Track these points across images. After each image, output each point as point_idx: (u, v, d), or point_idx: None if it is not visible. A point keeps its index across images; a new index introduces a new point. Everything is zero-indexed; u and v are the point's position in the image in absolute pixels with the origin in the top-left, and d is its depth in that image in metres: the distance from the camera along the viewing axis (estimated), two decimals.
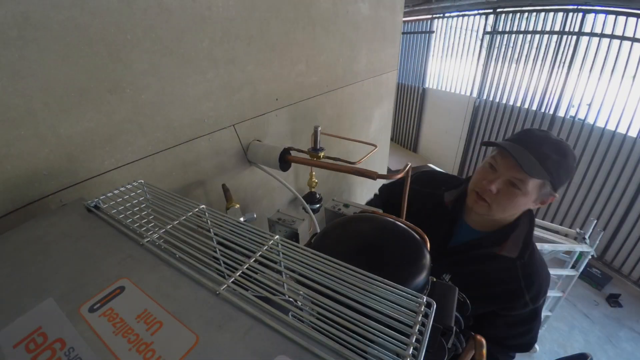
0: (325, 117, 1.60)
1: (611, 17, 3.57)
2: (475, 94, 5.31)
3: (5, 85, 0.58)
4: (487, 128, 5.22)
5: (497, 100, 4.96)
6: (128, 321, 0.36)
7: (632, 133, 3.54)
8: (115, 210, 0.55)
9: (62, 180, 0.70)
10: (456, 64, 5.61)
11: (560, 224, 3.98)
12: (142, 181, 0.63)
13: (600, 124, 3.83)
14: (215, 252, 0.47)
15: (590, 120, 3.93)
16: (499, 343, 0.90)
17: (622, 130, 3.63)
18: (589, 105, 3.91)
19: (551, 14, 4.10)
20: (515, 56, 4.61)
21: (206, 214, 0.55)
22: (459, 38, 5.43)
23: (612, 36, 3.58)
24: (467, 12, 5.14)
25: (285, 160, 1.11)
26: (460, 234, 0.95)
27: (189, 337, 0.34)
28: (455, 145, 5.89)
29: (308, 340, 0.33)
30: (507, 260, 0.86)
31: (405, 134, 7.05)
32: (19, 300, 0.39)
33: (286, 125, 1.35)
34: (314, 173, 1.45)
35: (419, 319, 0.35)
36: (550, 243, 2.55)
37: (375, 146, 1.31)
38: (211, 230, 0.51)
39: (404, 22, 6.09)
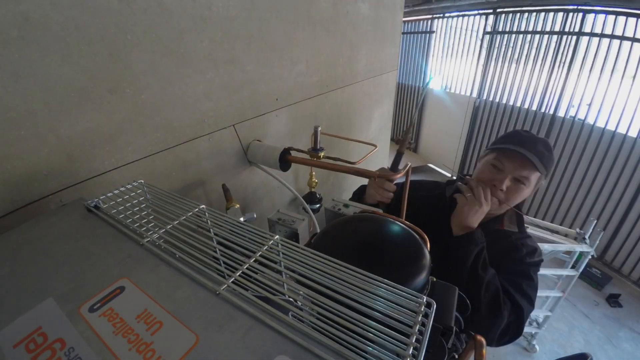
0: (325, 117, 1.60)
1: (611, 17, 3.57)
2: (475, 94, 5.31)
3: (5, 85, 0.58)
4: (487, 128, 5.21)
5: (497, 100, 4.96)
6: (128, 321, 0.36)
7: (632, 133, 3.54)
8: (115, 210, 0.55)
9: (62, 180, 0.70)
10: (456, 64, 5.61)
11: (560, 224, 3.97)
12: (142, 181, 0.63)
13: (600, 124, 3.82)
14: (215, 252, 0.47)
15: (590, 120, 3.93)
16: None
17: (622, 130, 3.63)
18: (589, 105, 3.91)
19: (551, 14, 4.10)
20: (515, 56, 4.60)
21: (206, 214, 0.55)
22: (459, 38, 5.43)
23: (612, 36, 3.57)
24: (467, 12, 5.14)
25: (285, 160, 1.11)
26: None
27: (189, 337, 0.34)
28: (455, 145, 5.89)
29: (308, 340, 0.33)
30: (510, 234, 0.96)
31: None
32: (19, 300, 0.39)
33: (286, 125, 1.35)
34: (314, 173, 1.45)
35: (419, 319, 0.35)
36: (550, 243, 2.54)
37: (375, 146, 1.31)
38: (211, 230, 0.51)
39: (404, 22, 6.09)
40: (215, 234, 0.50)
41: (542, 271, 2.67)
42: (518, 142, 0.90)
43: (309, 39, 1.33)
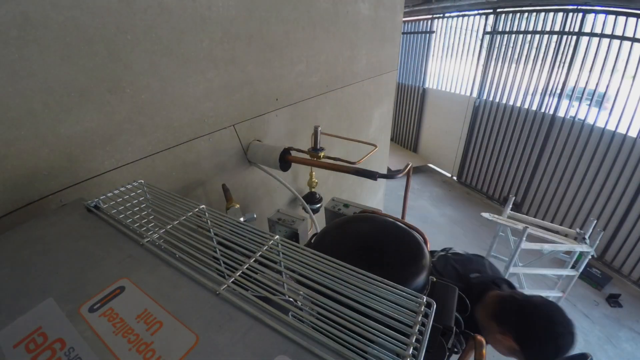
0: (325, 117, 1.60)
1: (611, 17, 3.57)
2: (475, 94, 5.30)
3: (5, 85, 0.58)
4: (487, 128, 5.21)
5: (497, 100, 4.96)
6: (128, 321, 0.36)
7: (632, 133, 3.54)
8: (115, 210, 0.55)
9: (62, 180, 0.70)
10: (456, 64, 5.60)
11: (560, 224, 3.97)
12: (142, 181, 0.63)
13: (600, 124, 3.83)
14: (215, 252, 0.47)
15: (590, 120, 3.93)
16: None
17: (622, 130, 3.63)
18: (589, 105, 3.91)
19: (551, 14, 4.10)
20: (515, 56, 4.60)
21: (206, 214, 0.55)
22: (459, 38, 5.43)
23: (612, 36, 3.57)
24: (467, 12, 5.13)
25: (285, 160, 1.11)
26: None
27: (189, 337, 0.34)
28: (455, 145, 5.89)
29: (308, 340, 0.33)
30: None
31: (405, 134, 7.05)
32: (19, 300, 0.39)
33: (286, 125, 1.35)
34: (314, 173, 1.45)
35: (419, 319, 0.35)
36: (550, 243, 2.55)
37: (375, 146, 1.31)
38: (211, 230, 0.51)
39: (404, 22, 6.08)
40: (215, 234, 0.50)
41: (542, 271, 2.68)
42: None
43: (309, 39, 1.33)
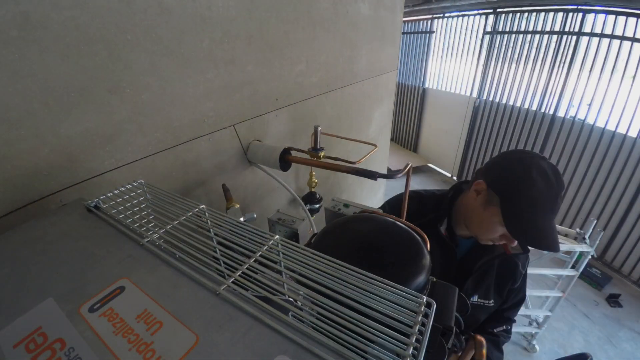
0: (325, 117, 1.60)
1: (611, 17, 3.56)
2: (475, 94, 5.31)
3: (5, 85, 0.58)
4: (487, 128, 5.21)
5: (497, 100, 4.96)
6: (128, 321, 0.36)
7: (632, 133, 3.53)
8: (115, 210, 0.55)
9: (62, 180, 0.70)
10: (456, 64, 5.61)
11: (560, 224, 3.97)
12: (142, 181, 0.63)
13: (600, 124, 3.82)
14: (215, 252, 0.47)
15: (590, 120, 3.93)
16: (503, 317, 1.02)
17: (622, 130, 3.63)
18: (589, 105, 3.91)
19: (551, 14, 4.10)
20: (515, 56, 4.60)
21: (206, 214, 0.55)
22: (459, 38, 5.43)
23: (612, 36, 3.57)
24: (467, 12, 5.13)
25: (285, 160, 1.11)
26: (461, 248, 0.96)
27: (189, 337, 0.34)
28: (455, 145, 5.89)
29: (308, 340, 0.33)
30: (516, 262, 0.95)
31: (405, 134, 7.05)
32: (19, 300, 0.39)
33: (286, 125, 1.35)
34: (314, 173, 1.45)
35: (419, 319, 0.35)
36: None
37: (375, 146, 1.31)
38: (211, 230, 0.51)
39: (404, 22, 6.08)
40: (215, 234, 0.50)
41: (542, 271, 2.67)
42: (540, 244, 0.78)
43: (309, 39, 1.33)
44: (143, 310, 0.37)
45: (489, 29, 4.87)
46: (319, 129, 1.16)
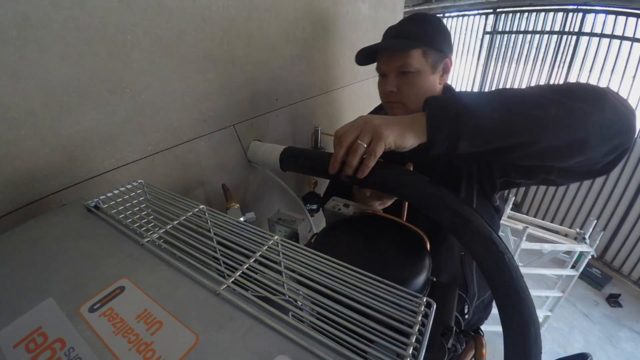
0: (325, 117, 1.60)
1: (611, 17, 3.57)
2: None
3: (5, 85, 0.58)
4: None
5: None
6: (128, 321, 0.36)
7: None
8: (115, 210, 0.55)
9: (62, 180, 0.70)
10: (456, 63, 5.61)
11: (560, 224, 3.97)
12: (142, 181, 0.63)
13: None
14: (215, 252, 0.47)
15: None
16: None
17: None
18: None
19: (551, 14, 4.10)
20: (515, 56, 4.60)
21: (206, 214, 0.55)
22: (459, 38, 5.43)
23: (612, 36, 3.57)
24: (467, 12, 5.13)
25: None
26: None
27: (189, 337, 0.34)
28: None
29: (308, 340, 0.33)
30: None
31: None
32: (19, 300, 0.39)
33: (286, 125, 1.35)
34: None
35: (419, 319, 0.35)
36: (550, 243, 2.54)
37: None
38: (211, 230, 0.51)
39: None
40: (215, 234, 0.50)
41: (542, 271, 2.68)
42: (383, 37, 0.88)
43: (308, 39, 1.33)
44: (143, 310, 0.37)
45: (489, 29, 4.87)
46: (319, 129, 1.16)
